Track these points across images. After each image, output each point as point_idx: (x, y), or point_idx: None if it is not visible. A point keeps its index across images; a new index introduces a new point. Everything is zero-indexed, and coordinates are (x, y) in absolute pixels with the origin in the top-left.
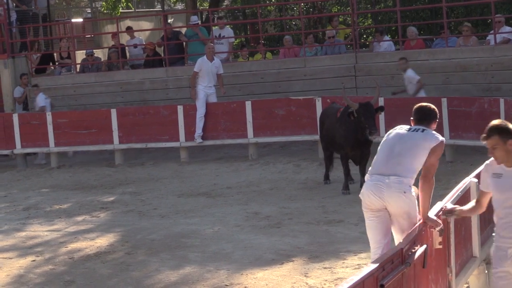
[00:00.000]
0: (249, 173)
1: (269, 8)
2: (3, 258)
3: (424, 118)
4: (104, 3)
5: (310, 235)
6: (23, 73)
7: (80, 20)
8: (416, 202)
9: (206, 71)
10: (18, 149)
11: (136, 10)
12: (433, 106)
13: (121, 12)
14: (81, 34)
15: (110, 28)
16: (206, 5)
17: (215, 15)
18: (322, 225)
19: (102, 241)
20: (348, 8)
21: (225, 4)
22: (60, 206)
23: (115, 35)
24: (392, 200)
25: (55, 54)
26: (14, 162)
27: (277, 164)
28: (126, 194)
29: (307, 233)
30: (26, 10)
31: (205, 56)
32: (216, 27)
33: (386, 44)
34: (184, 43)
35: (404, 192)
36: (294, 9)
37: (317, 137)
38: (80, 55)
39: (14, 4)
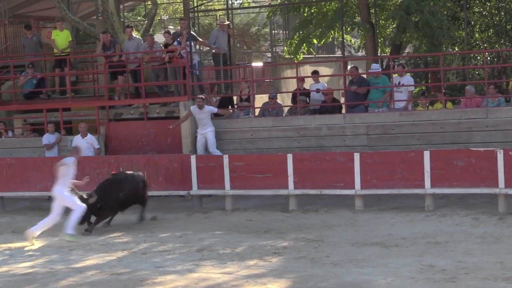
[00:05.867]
0: (425, 224)
1: (451, 57)
2: None
3: None
4: (286, 47)
5: None
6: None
7: (260, 64)
8: None
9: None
10: (195, 190)
11: (316, 55)
12: None
13: (302, 57)
14: (261, 78)
15: (290, 73)
16: (387, 51)
17: (396, 62)
18: (499, 282)
19: (273, 287)
20: None
21: (406, 51)
22: (233, 249)
23: (300, 79)
24: None
25: (234, 97)
26: (190, 203)
27: (454, 217)
28: (299, 240)
29: None
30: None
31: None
32: (396, 74)
33: None
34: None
35: None
36: (478, 58)
37: (497, 190)
38: (259, 99)
39: (198, 47)
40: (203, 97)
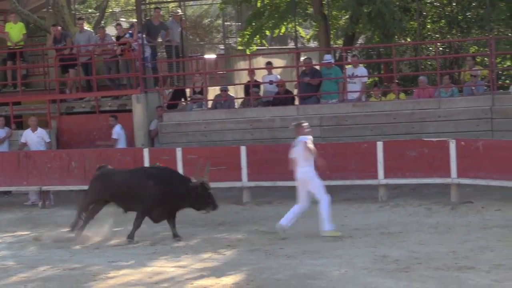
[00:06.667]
0: (379, 215)
1: (403, 47)
2: None
3: None
4: (238, 39)
5: (440, 281)
6: (159, 105)
7: (213, 56)
8: None
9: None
10: None
11: (269, 47)
12: None
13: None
14: (214, 70)
15: (243, 65)
16: (340, 43)
17: (349, 54)
18: (452, 271)
19: (228, 279)
20: (486, 48)
21: (359, 42)
22: (187, 243)
23: (251, 71)
24: None
25: (187, 90)
26: None
27: (408, 207)
28: (253, 233)
29: (436, 279)
30: (155, 44)
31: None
32: (350, 65)
33: None
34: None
35: None
36: (430, 49)
37: (449, 180)
38: (212, 92)
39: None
40: (115, 116)
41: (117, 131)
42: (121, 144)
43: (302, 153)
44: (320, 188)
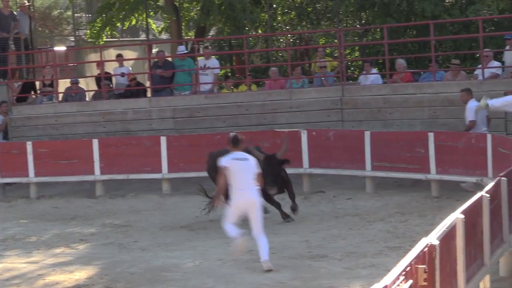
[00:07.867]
0: None
1: (254, 39)
2: None
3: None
4: (88, 31)
5: (294, 270)
6: (3, 100)
7: (63, 48)
8: None
9: None
10: None
11: (120, 39)
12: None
13: (105, 41)
14: (65, 62)
15: (94, 57)
16: (191, 35)
17: (201, 45)
18: (305, 260)
19: (81, 274)
20: (336, 40)
21: (210, 34)
22: (39, 238)
23: (100, 64)
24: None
25: (37, 83)
26: None
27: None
28: (106, 226)
29: (290, 268)
30: (7, 37)
31: None
32: (202, 57)
33: (373, 77)
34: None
35: None
36: (281, 41)
37: (302, 170)
38: (62, 84)
39: None
40: None
41: None
42: None
43: None
44: None
